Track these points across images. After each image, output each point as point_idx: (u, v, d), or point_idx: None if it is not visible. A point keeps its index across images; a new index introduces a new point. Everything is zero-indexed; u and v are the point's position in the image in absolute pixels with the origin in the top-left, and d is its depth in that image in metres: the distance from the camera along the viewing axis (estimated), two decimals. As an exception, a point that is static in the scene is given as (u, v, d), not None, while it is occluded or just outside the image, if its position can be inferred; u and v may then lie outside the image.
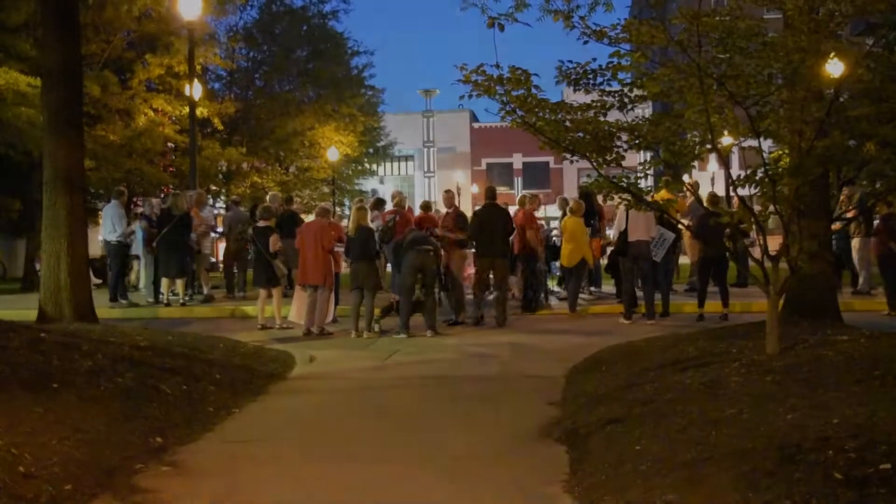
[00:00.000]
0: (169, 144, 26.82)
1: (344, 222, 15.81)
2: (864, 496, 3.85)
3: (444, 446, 6.29)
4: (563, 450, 6.03)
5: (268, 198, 17.11)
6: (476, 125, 62.08)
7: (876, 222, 14.52)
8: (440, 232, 13.56)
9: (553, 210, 18.54)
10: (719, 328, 10.30)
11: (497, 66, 7.83)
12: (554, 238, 17.05)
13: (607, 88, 8.23)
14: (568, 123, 8.22)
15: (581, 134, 8.24)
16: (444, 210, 14.97)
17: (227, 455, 6.03)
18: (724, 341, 8.49)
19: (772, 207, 7.79)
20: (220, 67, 31.68)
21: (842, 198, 12.63)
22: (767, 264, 7.69)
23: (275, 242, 12.97)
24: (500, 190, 48.51)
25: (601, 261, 16.96)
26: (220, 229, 20.11)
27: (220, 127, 28.91)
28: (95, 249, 18.80)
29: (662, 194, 11.02)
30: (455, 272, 13.63)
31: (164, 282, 15.58)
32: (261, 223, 13.45)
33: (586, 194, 15.69)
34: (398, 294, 12.84)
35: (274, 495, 5.22)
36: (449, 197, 14.75)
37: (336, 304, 13.60)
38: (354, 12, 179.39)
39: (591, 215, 15.64)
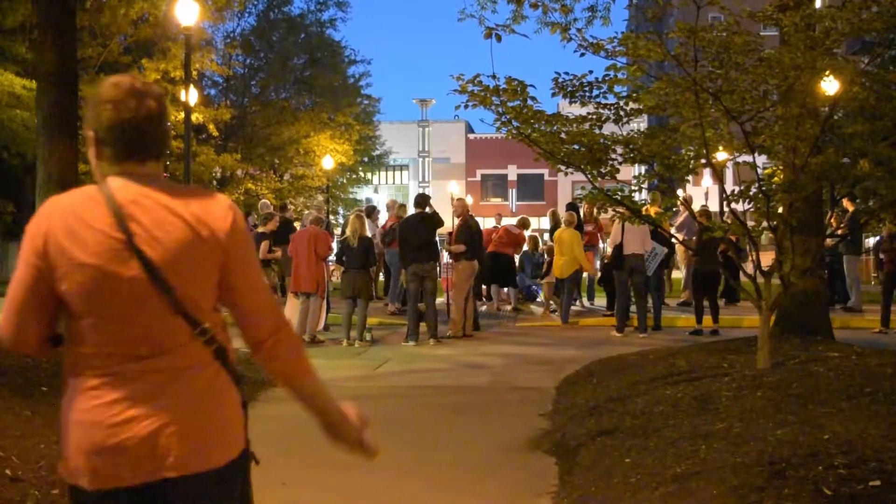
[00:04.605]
0: (163, 149, 26.83)
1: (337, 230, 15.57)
2: (853, 513, 3.85)
3: (433, 456, 6.27)
4: (552, 461, 6.02)
5: (259, 205, 17.05)
6: (471, 136, 62.06)
7: (873, 239, 14.55)
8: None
9: (546, 223, 18.43)
10: (711, 343, 10.29)
11: (494, 76, 7.82)
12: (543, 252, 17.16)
13: (603, 101, 8.20)
14: (563, 135, 8.21)
15: (576, 146, 8.24)
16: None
17: (216, 461, 5.99)
18: (716, 356, 8.49)
19: (765, 223, 7.80)
20: (216, 74, 31.72)
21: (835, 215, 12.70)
22: (760, 280, 7.70)
23: (264, 250, 12.72)
24: (495, 201, 48.69)
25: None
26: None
27: (216, 133, 28.96)
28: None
29: (654, 209, 11.06)
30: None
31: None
32: (259, 228, 13.26)
33: (571, 206, 15.64)
34: (398, 303, 12.70)
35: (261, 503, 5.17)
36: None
37: (328, 311, 13.55)
38: (352, 21, 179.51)
39: (580, 228, 15.58)
